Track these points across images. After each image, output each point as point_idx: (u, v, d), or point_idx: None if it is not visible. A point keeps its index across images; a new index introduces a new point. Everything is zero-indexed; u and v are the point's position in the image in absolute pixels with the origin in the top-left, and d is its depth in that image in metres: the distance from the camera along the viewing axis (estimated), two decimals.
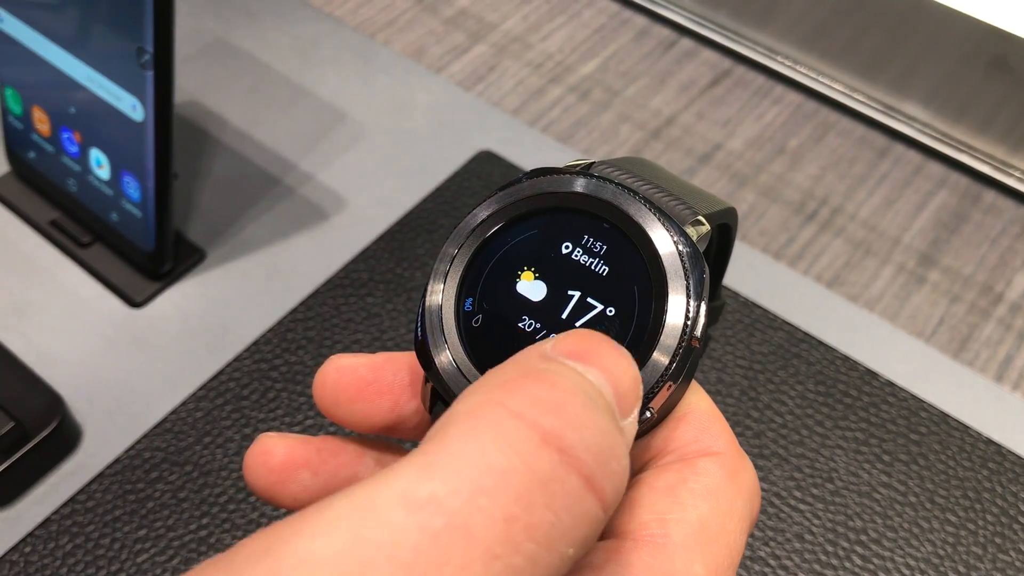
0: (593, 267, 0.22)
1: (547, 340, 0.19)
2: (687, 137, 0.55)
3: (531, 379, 0.17)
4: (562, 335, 0.19)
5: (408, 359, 0.25)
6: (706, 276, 0.22)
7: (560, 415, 0.16)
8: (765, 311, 0.46)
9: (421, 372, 0.24)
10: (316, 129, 0.54)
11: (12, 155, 0.50)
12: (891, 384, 0.44)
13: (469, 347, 0.22)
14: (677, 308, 0.21)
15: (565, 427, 0.16)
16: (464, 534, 0.14)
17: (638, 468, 0.22)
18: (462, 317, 0.23)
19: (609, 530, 0.21)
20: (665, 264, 0.22)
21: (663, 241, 0.22)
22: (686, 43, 0.60)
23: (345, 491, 0.15)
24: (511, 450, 0.15)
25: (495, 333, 0.22)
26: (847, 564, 0.39)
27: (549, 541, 0.15)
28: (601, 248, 0.22)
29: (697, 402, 0.22)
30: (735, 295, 0.46)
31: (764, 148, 0.55)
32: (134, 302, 0.46)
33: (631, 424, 0.18)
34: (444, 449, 0.15)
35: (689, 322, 0.21)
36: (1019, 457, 0.41)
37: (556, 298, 0.22)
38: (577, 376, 0.17)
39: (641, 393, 0.19)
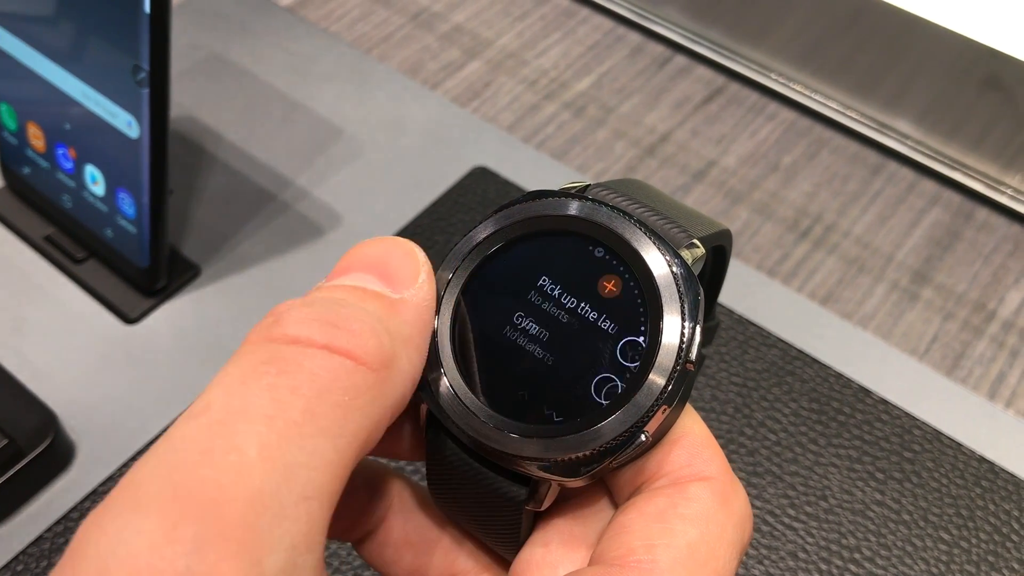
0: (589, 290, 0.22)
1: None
2: (681, 154, 0.55)
3: (260, 322, 0.19)
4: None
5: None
6: (701, 299, 0.22)
7: (281, 322, 0.19)
8: (759, 328, 0.46)
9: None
10: (312, 145, 0.54)
11: (6, 170, 0.50)
12: (885, 402, 0.44)
13: (464, 371, 0.23)
14: (672, 331, 0.21)
15: (287, 325, 0.18)
16: (239, 411, 0.17)
17: (631, 492, 0.22)
18: (457, 341, 0.23)
19: (597, 556, 0.21)
20: (660, 287, 0.22)
21: (658, 264, 0.22)
22: (680, 60, 0.61)
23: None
24: (253, 356, 0.18)
25: (491, 356, 0.22)
26: None
27: (315, 393, 0.17)
28: (597, 272, 0.22)
29: (691, 426, 0.22)
30: (729, 312, 0.47)
31: (758, 165, 0.55)
32: (128, 318, 0.46)
33: (418, 288, 0.21)
34: (210, 382, 0.18)
35: (684, 345, 0.21)
36: (1012, 475, 0.42)
37: (550, 320, 0.22)
38: (320, 293, 0.20)
39: (417, 259, 0.21)
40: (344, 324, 0.19)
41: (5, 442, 0.39)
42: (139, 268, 0.46)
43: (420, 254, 0.21)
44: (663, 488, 0.21)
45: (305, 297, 0.20)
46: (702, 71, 0.60)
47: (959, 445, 0.42)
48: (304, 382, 0.17)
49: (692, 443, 0.22)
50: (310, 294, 0.20)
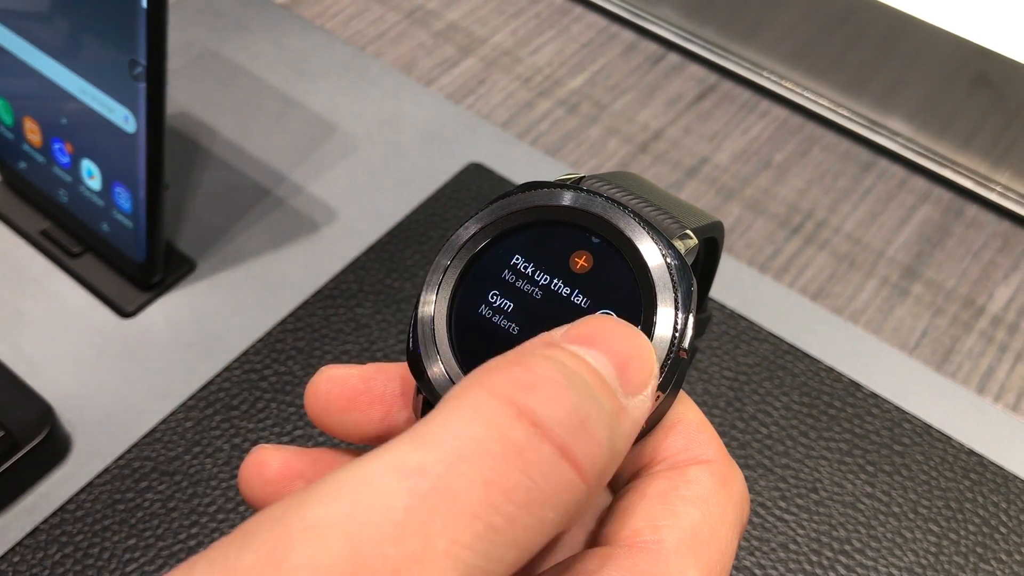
0: (584, 279, 0.23)
1: (560, 327, 0.20)
2: (674, 151, 0.56)
3: (513, 364, 0.18)
4: (578, 321, 0.20)
5: (399, 370, 0.25)
6: (694, 289, 0.22)
7: (533, 392, 0.17)
8: (751, 323, 0.46)
9: (412, 383, 0.24)
10: (307, 141, 0.54)
11: (2, 165, 0.50)
12: (875, 396, 0.44)
13: (461, 358, 0.23)
14: (665, 320, 0.22)
15: (537, 403, 0.17)
16: (448, 496, 0.16)
17: (629, 476, 0.23)
18: (454, 328, 0.23)
19: (602, 537, 0.21)
20: (654, 277, 0.22)
21: (652, 254, 0.22)
22: (673, 58, 0.61)
23: (345, 466, 0.16)
24: (488, 423, 0.17)
25: (487, 344, 0.23)
26: (831, 573, 0.39)
27: (526, 503, 0.16)
28: (591, 261, 0.23)
29: (686, 412, 0.23)
30: (721, 307, 0.47)
31: (750, 162, 0.55)
32: (124, 312, 0.46)
33: (640, 401, 0.19)
34: (431, 425, 0.17)
35: (677, 334, 0.22)
36: (1000, 468, 0.42)
37: (546, 308, 0.23)
38: (568, 358, 0.18)
39: (654, 370, 0.20)
40: (588, 427, 0.17)
41: (1, 434, 0.39)
42: (135, 262, 0.46)
43: (655, 365, 0.20)
44: (663, 472, 0.22)
45: (561, 357, 0.18)
46: (695, 69, 0.60)
47: (948, 438, 0.43)
48: (522, 486, 0.16)
49: (688, 428, 0.22)
50: (560, 350, 0.19)
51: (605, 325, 0.19)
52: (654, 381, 0.20)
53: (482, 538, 0.16)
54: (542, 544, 0.17)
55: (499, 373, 0.18)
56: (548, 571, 0.21)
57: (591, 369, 0.18)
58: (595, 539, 0.22)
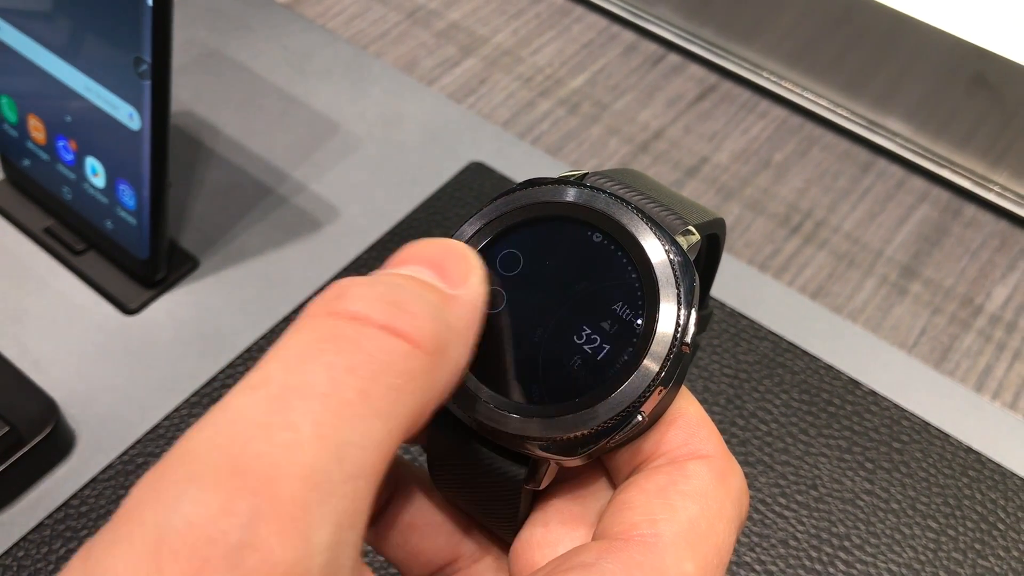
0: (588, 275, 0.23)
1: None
2: (674, 150, 0.56)
3: (322, 293, 0.20)
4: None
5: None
6: (696, 285, 0.22)
7: (344, 298, 0.19)
8: (751, 321, 0.47)
9: None
10: (309, 140, 0.54)
11: (6, 163, 0.51)
12: (874, 393, 0.44)
13: None
14: (668, 315, 0.22)
15: (350, 301, 0.19)
16: (297, 389, 0.17)
17: (630, 471, 0.23)
18: None
19: (601, 531, 0.21)
20: (657, 272, 0.22)
21: (655, 250, 0.22)
22: (673, 58, 0.61)
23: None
24: (314, 331, 0.18)
25: (490, 338, 0.23)
26: (831, 569, 0.39)
27: (370, 374, 0.18)
28: (595, 257, 0.23)
29: (686, 407, 0.23)
30: (721, 305, 0.47)
31: (750, 162, 0.56)
32: (128, 309, 0.46)
33: (471, 287, 0.21)
34: (267, 354, 0.18)
35: (680, 329, 0.22)
36: (998, 465, 0.42)
37: (550, 305, 0.23)
38: (379, 276, 0.20)
39: (473, 262, 0.21)
40: (405, 306, 0.19)
41: (7, 429, 0.40)
42: (139, 260, 0.46)
43: (474, 257, 0.22)
44: (662, 466, 0.22)
45: (366, 277, 0.20)
46: (695, 69, 0.61)
47: (947, 436, 0.43)
48: (361, 362, 0.18)
49: (688, 423, 0.23)
50: (369, 276, 0.21)
51: (416, 244, 0.21)
52: (477, 272, 0.21)
53: (341, 415, 0.17)
54: (408, 416, 0.18)
55: (312, 301, 0.19)
56: (548, 564, 0.22)
57: (405, 276, 0.20)
58: (594, 533, 0.22)
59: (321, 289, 0.47)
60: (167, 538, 0.15)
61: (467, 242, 0.24)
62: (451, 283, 0.21)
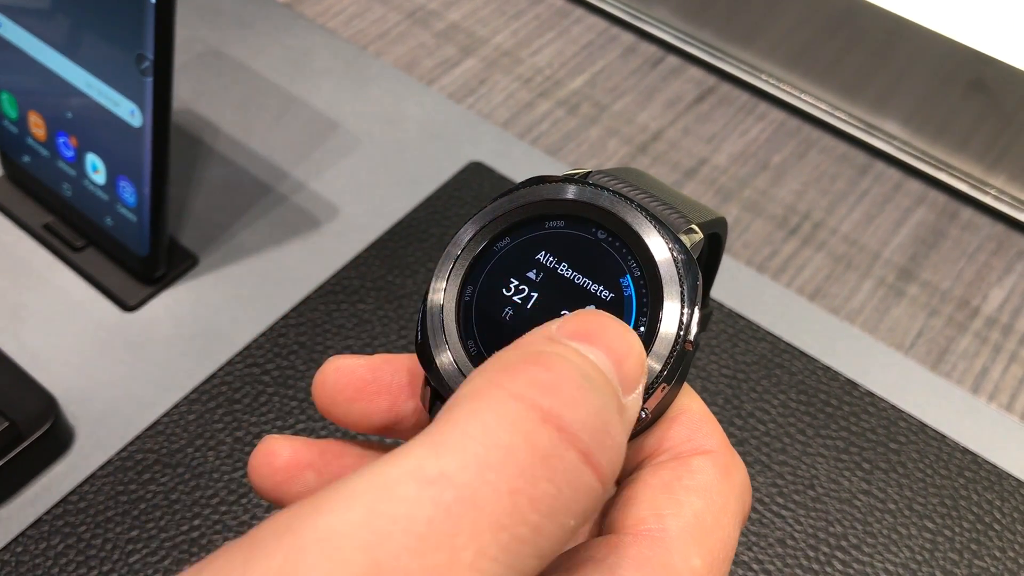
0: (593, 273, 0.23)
1: (553, 322, 0.20)
2: (673, 152, 0.56)
3: (530, 362, 0.18)
4: (568, 316, 0.20)
5: (406, 361, 0.25)
6: (699, 283, 0.22)
7: (557, 395, 0.17)
8: (749, 322, 0.47)
9: (419, 374, 0.25)
10: (309, 138, 0.55)
11: (6, 159, 0.51)
12: (871, 394, 0.45)
13: (470, 347, 0.23)
14: (672, 313, 0.22)
15: (562, 406, 0.17)
16: (473, 506, 0.15)
17: (633, 467, 0.23)
18: (463, 317, 0.23)
19: (607, 526, 0.21)
20: (661, 270, 0.22)
21: (659, 248, 0.23)
22: (672, 60, 0.62)
23: (360, 471, 0.16)
24: (513, 428, 0.16)
25: (496, 334, 0.23)
26: (827, 569, 0.40)
27: (551, 512, 0.16)
28: (599, 254, 0.23)
29: (689, 403, 0.23)
30: (720, 306, 0.47)
31: (748, 163, 0.56)
32: (127, 306, 0.46)
33: (635, 399, 0.19)
34: (451, 429, 0.16)
35: (683, 327, 0.22)
36: (994, 466, 0.43)
37: (555, 300, 0.23)
38: (577, 356, 0.18)
39: (645, 369, 0.20)
40: (609, 430, 0.17)
41: (6, 425, 0.40)
42: (138, 256, 0.46)
43: (644, 364, 0.20)
44: (667, 462, 0.22)
45: (571, 355, 0.18)
46: (694, 71, 0.61)
47: (943, 437, 0.43)
48: (548, 495, 0.16)
49: (691, 419, 0.23)
50: (565, 347, 0.18)
51: (600, 321, 0.19)
52: (644, 380, 0.20)
53: (508, 550, 0.15)
54: (560, 552, 0.17)
55: (517, 373, 0.17)
56: (555, 560, 0.22)
57: (596, 368, 0.18)
58: (600, 529, 0.22)
59: (322, 287, 0.47)
60: None
61: (473, 237, 0.24)
62: (625, 388, 0.19)
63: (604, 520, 0.22)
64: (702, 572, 0.20)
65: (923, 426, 0.44)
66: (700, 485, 0.21)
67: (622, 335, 0.19)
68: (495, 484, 0.16)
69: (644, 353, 0.20)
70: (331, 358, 0.25)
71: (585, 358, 0.18)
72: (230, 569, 0.15)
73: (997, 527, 0.41)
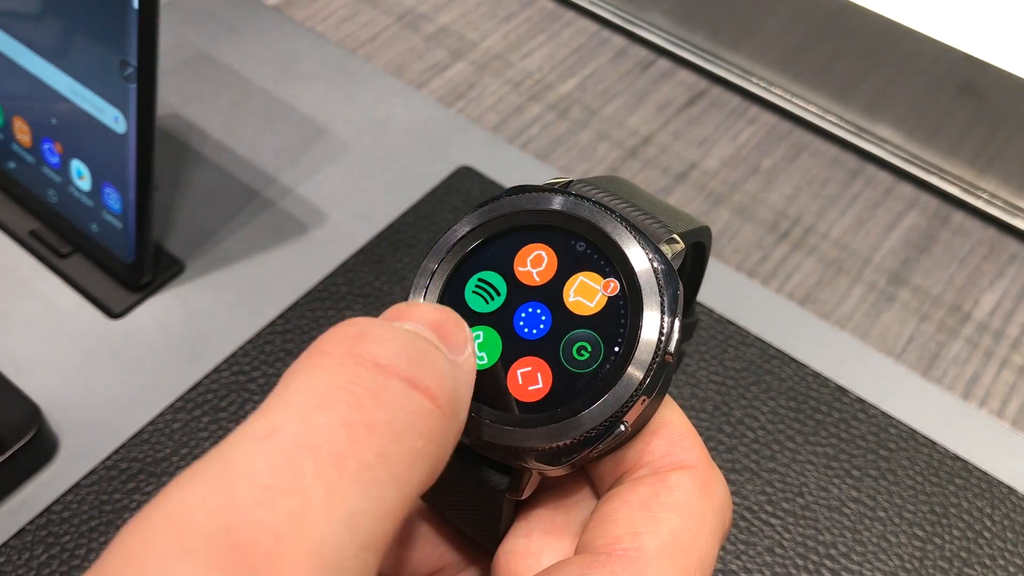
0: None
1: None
2: (663, 156, 0.56)
3: (338, 326, 0.18)
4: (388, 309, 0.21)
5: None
6: (680, 293, 0.22)
7: (366, 340, 0.18)
8: (738, 328, 0.47)
9: None
10: (297, 143, 0.54)
11: None
12: (861, 401, 0.44)
13: None
14: (651, 324, 0.22)
15: (373, 346, 0.17)
16: (310, 447, 0.15)
17: (613, 481, 0.23)
18: None
19: (583, 545, 0.21)
20: (640, 281, 0.22)
21: (638, 258, 0.22)
22: (663, 64, 0.61)
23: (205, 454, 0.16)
24: (331, 375, 0.17)
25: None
26: None
27: (392, 436, 0.16)
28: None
29: (670, 416, 0.23)
30: (709, 312, 0.47)
31: (739, 167, 0.56)
32: (113, 313, 0.46)
33: (467, 358, 0.20)
34: (274, 396, 0.17)
35: (663, 338, 0.22)
36: (985, 473, 0.42)
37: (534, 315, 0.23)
38: (389, 326, 0.19)
39: (468, 332, 0.21)
40: (428, 359, 0.18)
41: None
42: (124, 263, 0.46)
43: (467, 327, 0.21)
44: (645, 478, 0.22)
45: (381, 319, 0.19)
46: (684, 75, 0.61)
47: (934, 444, 0.43)
48: (383, 420, 0.16)
49: (672, 433, 0.23)
50: (375, 322, 0.19)
51: (413, 305, 0.20)
52: (471, 342, 0.21)
53: (358, 479, 0.15)
54: (422, 480, 0.17)
55: (326, 335, 0.18)
56: None
57: (416, 333, 0.19)
58: (577, 546, 0.22)
59: (309, 294, 0.47)
60: None
61: (450, 250, 0.24)
62: (452, 349, 0.20)
63: (581, 538, 0.22)
64: None
65: (913, 432, 0.43)
66: (677, 502, 0.21)
67: (433, 307, 0.20)
68: (326, 423, 0.16)
69: (457, 316, 0.21)
70: None
71: (402, 327, 0.19)
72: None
73: (987, 535, 0.41)
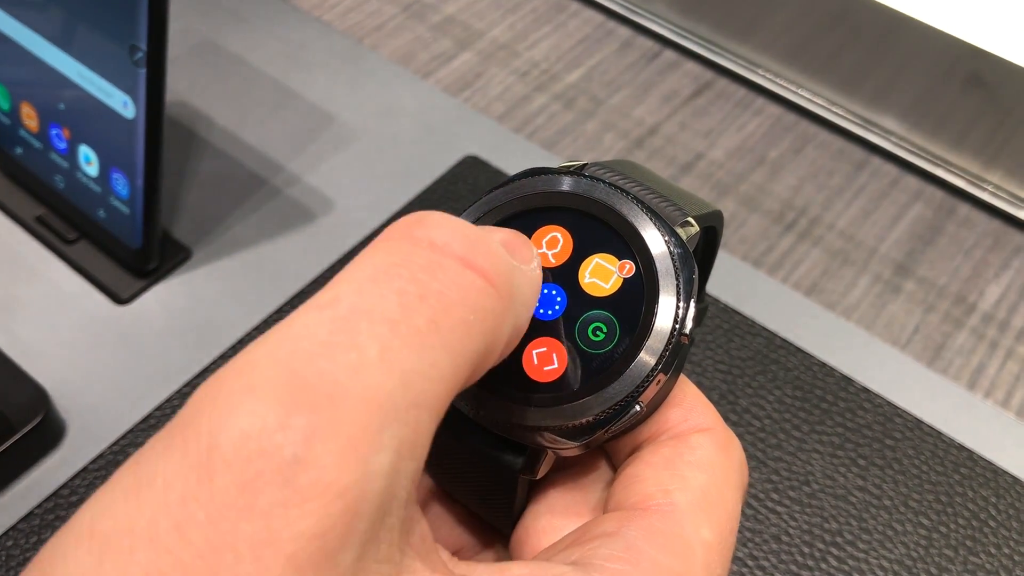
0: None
1: None
2: (669, 146, 0.56)
3: (403, 218, 0.19)
4: None
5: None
6: (695, 277, 0.22)
7: (424, 223, 0.19)
8: (744, 317, 0.47)
9: None
10: (304, 131, 0.54)
11: None
12: (867, 390, 0.44)
13: None
14: (667, 306, 0.22)
15: (431, 229, 0.18)
16: (366, 312, 0.17)
17: (631, 450, 0.23)
18: None
19: (614, 504, 0.22)
20: (656, 263, 0.22)
21: (655, 241, 0.22)
22: (669, 55, 0.61)
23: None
24: (389, 253, 0.18)
25: None
26: (823, 565, 0.39)
27: (442, 305, 0.17)
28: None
29: (683, 389, 0.23)
30: (716, 301, 0.47)
31: (745, 158, 0.56)
32: (120, 299, 0.46)
33: (533, 268, 0.21)
34: (340, 273, 0.18)
35: (678, 320, 0.22)
36: (990, 463, 0.42)
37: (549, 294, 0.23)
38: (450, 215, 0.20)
39: (534, 251, 0.22)
40: (485, 243, 0.19)
41: None
42: (131, 249, 0.46)
43: (534, 249, 0.22)
44: (666, 441, 0.22)
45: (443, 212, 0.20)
46: (691, 66, 0.61)
47: (939, 433, 0.43)
48: (435, 291, 0.17)
49: (686, 401, 0.23)
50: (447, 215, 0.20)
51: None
52: (538, 259, 0.21)
53: (410, 342, 0.17)
54: (475, 356, 0.18)
55: (392, 224, 0.19)
56: (567, 536, 0.22)
57: (477, 228, 0.20)
58: (606, 508, 0.22)
59: (315, 281, 0.47)
60: (220, 448, 0.15)
61: None
62: (518, 259, 0.20)
63: (610, 500, 0.22)
64: (713, 542, 0.20)
65: (919, 422, 0.44)
66: (701, 460, 0.21)
67: (507, 229, 0.22)
68: (381, 291, 0.17)
69: (530, 242, 0.22)
70: None
71: (463, 221, 0.20)
72: (151, 448, 0.16)
73: (992, 524, 0.41)
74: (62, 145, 0.46)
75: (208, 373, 0.44)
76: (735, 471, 0.22)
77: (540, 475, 0.23)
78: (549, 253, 0.23)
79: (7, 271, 0.47)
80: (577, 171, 0.24)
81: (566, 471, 0.24)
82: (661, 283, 0.22)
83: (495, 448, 0.23)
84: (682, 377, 0.23)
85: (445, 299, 0.17)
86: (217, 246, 0.49)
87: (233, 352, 0.44)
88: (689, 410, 0.23)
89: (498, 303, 0.18)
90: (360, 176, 0.52)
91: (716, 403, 0.44)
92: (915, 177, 0.55)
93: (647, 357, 0.22)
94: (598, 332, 0.22)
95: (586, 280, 0.23)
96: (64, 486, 0.40)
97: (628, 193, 0.23)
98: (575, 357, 0.22)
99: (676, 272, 0.22)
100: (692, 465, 0.21)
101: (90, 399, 0.43)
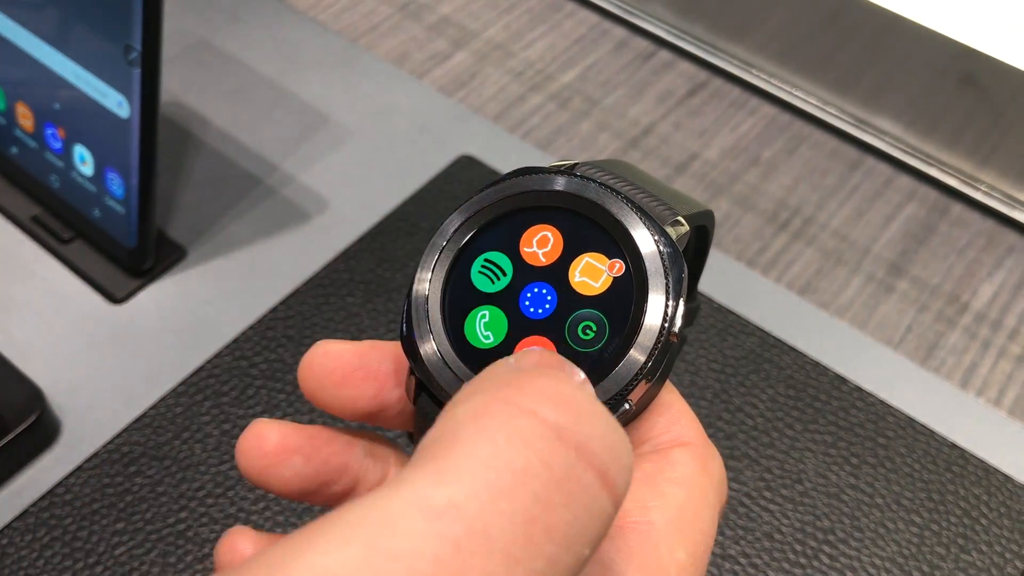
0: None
1: (510, 357, 0.19)
2: (664, 146, 0.56)
3: (535, 375, 0.16)
4: (531, 351, 0.19)
5: (393, 348, 0.25)
6: (685, 276, 0.22)
7: (571, 410, 0.15)
8: (738, 317, 0.47)
9: (405, 362, 0.25)
10: (299, 131, 0.54)
11: None
12: (859, 389, 0.45)
13: (453, 338, 0.23)
14: (656, 306, 0.22)
15: (578, 422, 0.15)
16: (485, 540, 0.14)
17: None
18: (447, 307, 0.23)
19: None
20: (646, 262, 0.22)
21: (644, 240, 0.23)
22: (664, 55, 0.61)
23: (358, 500, 0.14)
24: (527, 448, 0.15)
25: (480, 325, 0.23)
26: (815, 563, 0.40)
27: (567, 541, 0.15)
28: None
29: (669, 397, 0.23)
30: (709, 301, 0.47)
31: (739, 158, 0.56)
32: (115, 298, 0.46)
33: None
34: (456, 451, 0.15)
35: (668, 320, 0.22)
36: (981, 461, 0.43)
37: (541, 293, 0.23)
38: (575, 375, 0.18)
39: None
40: (621, 448, 0.16)
41: None
42: (126, 248, 0.46)
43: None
44: (648, 454, 0.22)
45: (575, 376, 0.17)
46: (685, 66, 0.61)
47: (931, 432, 0.43)
48: (562, 526, 0.14)
49: (670, 411, 0.23)
50: (558, 368, 0.17)
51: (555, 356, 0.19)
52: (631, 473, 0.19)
53: None
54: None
55: (523, 385, 0.16)
56: None
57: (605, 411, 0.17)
58: None
59: (311, 280, 0.47)
60: None
61: (459, 228, 0.24)
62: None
63: None
64: (686, 564, 0.20)
65: (911, 421, 0.44)
66: (681, 477, 0.21)
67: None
68: (509, 513, 0.14)
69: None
70: (318, 343, 0.25)
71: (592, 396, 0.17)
72: None
73: (984, 522, 0.41)
74: (57, 145, 0.46)
75: (203, 372, 0.44)
76: (712, 489, 0.22)
77: None
78: (540, 252, 0.23)
79: (2, 271, 0.47)
80: (568, 170, 0.24)
81: None
82: (650, 282, 0.22)
83: None
84: (670, 386, 0.24)
85: (572, 532, 0.15)
86: (212, 246, 0.49)
87: (228, 351, 0.44)
88: (674, 421, 0.23)
89: (612, 521, 0.16)
90: (355, 176, 0.52)
91: (710, 402, 0.44)
92: (909, 177, 0.55)
93: (637, 355, 0.22)
94: (588, 331, 0.22)
95: (576, 279, 0.23)
96: (59, 485, 0.40)
97: (618, 192, 0.23)
98: (565, 355, 0.22)
99: (666, 271, 0.22)
100: (672, 482, 0.21)
101: (85, 398, 0.43)
